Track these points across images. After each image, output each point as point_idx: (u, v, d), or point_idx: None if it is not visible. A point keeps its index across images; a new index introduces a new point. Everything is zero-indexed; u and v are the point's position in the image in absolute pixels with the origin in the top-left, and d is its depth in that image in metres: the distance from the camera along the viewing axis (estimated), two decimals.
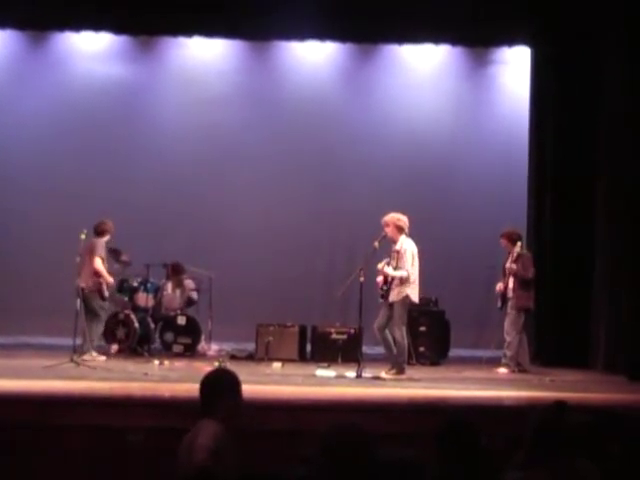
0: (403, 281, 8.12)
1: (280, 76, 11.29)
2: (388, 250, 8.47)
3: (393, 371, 8.16)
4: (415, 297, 8.23)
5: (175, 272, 10.29)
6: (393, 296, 8.15)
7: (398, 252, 8.17)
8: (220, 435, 3.53)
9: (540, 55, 10.54)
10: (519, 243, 9.20)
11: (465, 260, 10.88)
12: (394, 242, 8.25)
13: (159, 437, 5.28)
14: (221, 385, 3.72)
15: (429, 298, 10.00)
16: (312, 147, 11.14)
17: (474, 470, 3.42)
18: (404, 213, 8.35)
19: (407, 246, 8.17)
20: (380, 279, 8.26)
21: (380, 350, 10.25)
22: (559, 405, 3.80)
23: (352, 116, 11.24)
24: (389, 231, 8.24)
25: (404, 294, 8.12)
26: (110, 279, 9.30)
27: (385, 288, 8.19)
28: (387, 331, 8.23)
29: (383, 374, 8.08)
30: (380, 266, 8.23)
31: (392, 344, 8.22)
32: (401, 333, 8.16)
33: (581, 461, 3.51)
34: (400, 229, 8.22)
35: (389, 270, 8.15)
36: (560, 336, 9.89)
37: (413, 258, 8.17)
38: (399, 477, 3.74)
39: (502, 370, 9.00)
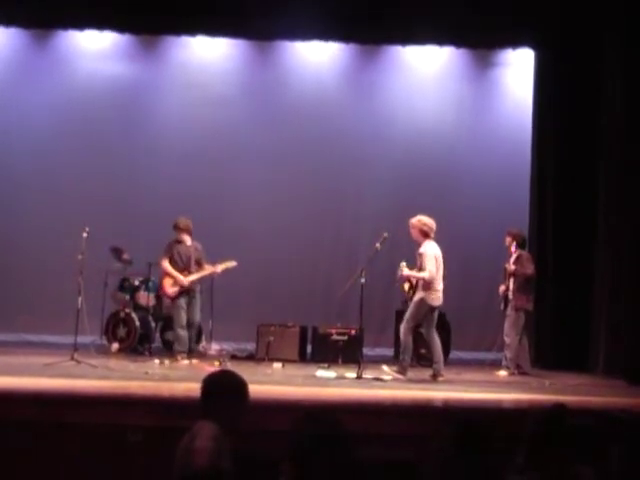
0: (427, 284, 8.12)
1: (283, 76, 11.27)
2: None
3: (395, 369, 8.19)
4: (434, 301, 8.18)
5: None
6: (415, 298, 8.20)
7: (421, 255, 8.19)
8: (218, 437, 3.50)
9: (543, 57, 10.54)
10: (514, 244, 9.21)
11: (466, 262, 10.86)
12: (418, 245, 8.27)
13: (159, 436, 5.25)
14: (224, 388, 3.68)
15: None
16: (315, 147, 11.13)
17: (480, 472, 3.40)
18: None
19: (429, 249, 8.18)
20: (406, 286, 8.28)
21: (380, 352, 10.28)
22: (559, 408, 3.79)
23: (355, 117, 11.22)
24: (413, 234, 8.27)
25: (421, 296, 8.14)
26: (177, 277, 9.29)
27: (412, 292, 8.22)
28: (422, 331, 8.29)
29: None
30: (400, 272, 8.19)
31: (433, 345, 8.23)
32: (405, 331, 8.18)
33: (579, 465, 3.51)
34: (425, 234, 8.23)
35: (406, 271, 8.14)
36: (560, 339, 9.89)
37: (436, 261, 8.16)
38: (398, 478, 3.75)
39: (502, 373, 9.01)
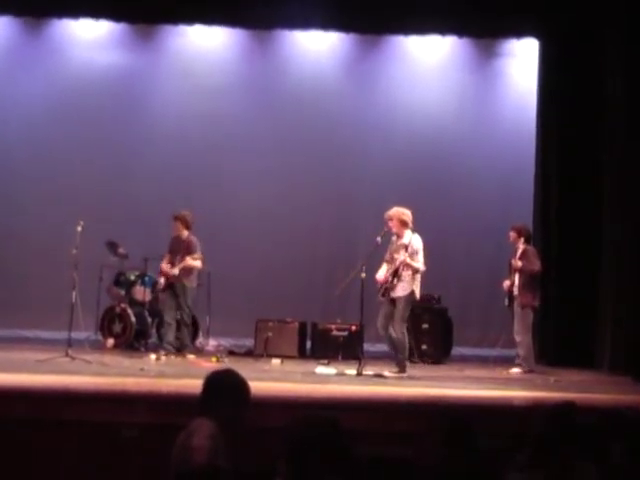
0: (415, 276, 7.97)
1: (282, 66, 11.16)
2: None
3: (395, 370, 8.03)
4: (418, 293, 8.10)
5: None
6: (398, 292, 7.96)
7: (406, 246, 7.99)
8: (216, 435, 3.43)
9: (548, 47, 10.46)
10: (522, 239, 9.07)
11: (469, 257, 10.79)
12: (399, 237, 8.10)
13: (155, 433, 5.20)
14: (226, 387, 3.60)
15: (432, 295, 9.89)
16: (314, 138, 11.01)
17: (475, 470, 3.36)
18: (407, 207, 8.21)
19: (416, 240, 8.02)
20: (382, 277, 8.06)
21: (381, 347, 10.15)
22: (568, 406, 3.75)
23: (355, 107, 11.10)
24: (393, 225, 8.08)
25: (409, 290, 7.96)
26: (167, 272, 9.28)
27: (389, 284, 7.98)
28: (391, 329, 8.09)
29: (386, 373, 7.95)
30: (402, 258, 7.94)
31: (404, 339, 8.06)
32: (402, 330, 8.01)
33: (582, 462, 3.47)
34: (404, 223, 8.06)
35: (408, 259, 7.89)
36: (565, 336, 9.82)
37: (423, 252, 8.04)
38: (394, 476, 3.67)
39: (515, 370, 8.86)
